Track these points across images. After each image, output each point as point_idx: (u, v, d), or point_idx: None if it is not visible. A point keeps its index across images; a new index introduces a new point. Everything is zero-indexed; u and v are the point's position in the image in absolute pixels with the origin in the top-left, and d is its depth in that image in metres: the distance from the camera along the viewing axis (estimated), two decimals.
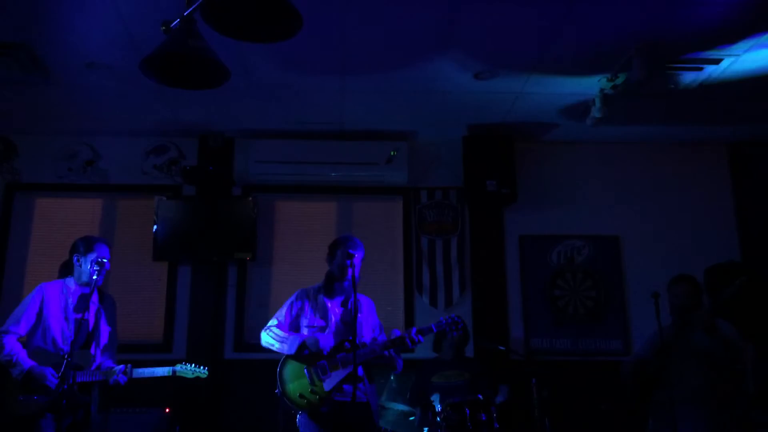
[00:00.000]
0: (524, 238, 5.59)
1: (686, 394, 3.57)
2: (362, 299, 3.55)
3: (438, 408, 4.00)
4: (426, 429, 4.27)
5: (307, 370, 3.36)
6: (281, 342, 3.44)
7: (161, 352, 5.17)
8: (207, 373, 3.91)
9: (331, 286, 3.55)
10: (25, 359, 3.47)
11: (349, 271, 3.29)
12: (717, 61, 4.21)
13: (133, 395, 4.52)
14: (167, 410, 4.57)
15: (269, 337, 3.48)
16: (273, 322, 3.55)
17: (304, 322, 3.51)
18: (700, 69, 4.29)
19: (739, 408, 3.62)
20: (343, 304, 3.53)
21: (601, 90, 4.62)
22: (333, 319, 3.50)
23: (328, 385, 3.32)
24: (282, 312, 3.57)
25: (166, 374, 3.78)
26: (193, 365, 3.87)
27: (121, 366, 3.63)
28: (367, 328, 3.54)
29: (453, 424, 3.92)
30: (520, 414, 4.59)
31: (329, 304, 3.54)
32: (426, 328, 3.45)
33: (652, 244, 5.55)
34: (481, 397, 4.03)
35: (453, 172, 5.63)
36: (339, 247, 3.50)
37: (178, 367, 3.82)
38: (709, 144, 5.77)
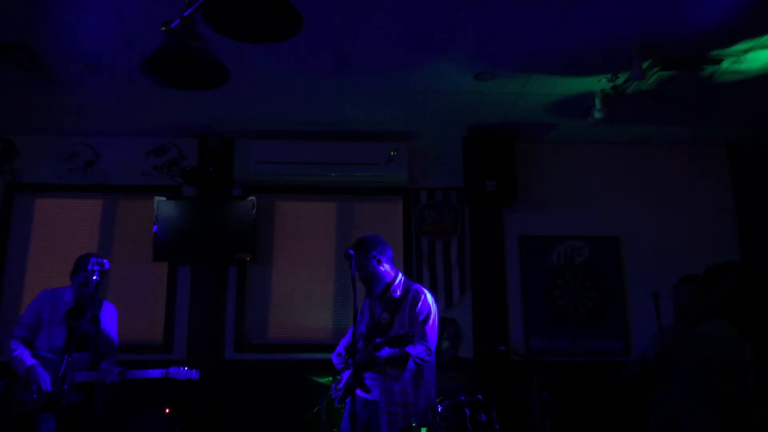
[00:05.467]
0: (524, 238, 5.59)
1: (686, 394, 3.57)
2: (414, 291, 3.53)
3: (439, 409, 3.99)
4: (426, 429, 4.26)
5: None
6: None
7: (161, 353, 5.17)
8: (198, 376, 4.04)
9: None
10: (27, 357, 3.76)
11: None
12: (717, 61, 4.21)
13: (133, 395, 4.54)
14: (167, 410, 4.58)
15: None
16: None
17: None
18: (701, 69, 4.29)
19: (739, 408, 3.62)
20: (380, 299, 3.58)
21: (601, 90, 4.63)
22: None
23: (341, 385, 3.61)
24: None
25: (159, 376, 3.93)
26: (185, 368, 4.00)
27: (117, 368, 3.80)
28: (398, 324, 3.49)
29: (453, 425, 3.91)
30: (520, 414, 4.58)
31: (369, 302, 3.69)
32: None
33: (652, 244, 5.55)
34: (480, 397, 4.03)
35: (453, 173, 5.62)
36: None
37: (171, 369, 3.98)
38: (709, 144, 5.77)
